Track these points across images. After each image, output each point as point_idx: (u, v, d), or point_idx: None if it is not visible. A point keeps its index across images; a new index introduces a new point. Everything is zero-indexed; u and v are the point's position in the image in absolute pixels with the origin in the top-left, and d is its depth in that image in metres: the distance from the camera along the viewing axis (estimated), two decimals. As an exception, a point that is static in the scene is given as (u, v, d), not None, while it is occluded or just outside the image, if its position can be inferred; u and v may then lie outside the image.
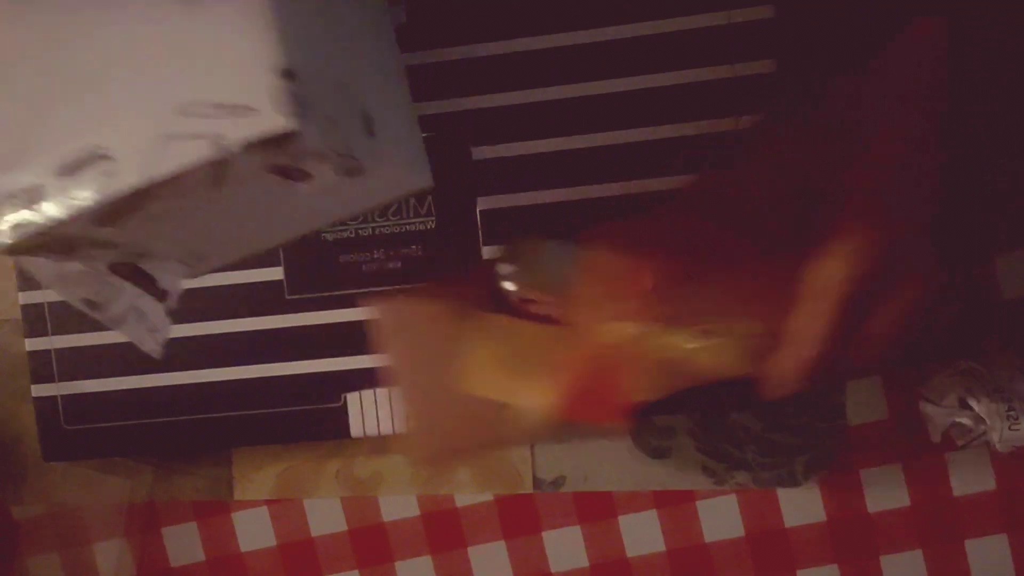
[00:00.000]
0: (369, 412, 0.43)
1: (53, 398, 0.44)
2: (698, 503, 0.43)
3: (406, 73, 0.38)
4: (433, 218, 0.42)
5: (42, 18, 0.29)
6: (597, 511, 0.44)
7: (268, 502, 0.46)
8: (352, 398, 0.43)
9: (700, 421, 0.43)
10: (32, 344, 0.44)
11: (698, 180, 0.37)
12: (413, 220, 0.42)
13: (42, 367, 0.44)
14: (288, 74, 0.27)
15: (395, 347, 0.35)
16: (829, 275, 0.31)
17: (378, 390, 0.42)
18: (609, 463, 0.43)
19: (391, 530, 0.45)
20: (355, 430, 0.43)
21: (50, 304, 0.44)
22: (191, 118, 0.27)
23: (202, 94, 0.27)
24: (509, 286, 0.33)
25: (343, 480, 0.45)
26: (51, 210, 0.28)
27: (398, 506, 0.45)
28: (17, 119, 0.29)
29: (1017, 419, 0.38)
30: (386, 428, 0.43)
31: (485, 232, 0.41)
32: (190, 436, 0.44)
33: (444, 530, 0.45)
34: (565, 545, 0.44)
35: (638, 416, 0.33)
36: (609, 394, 0.33)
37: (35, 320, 0.44)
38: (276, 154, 0.27)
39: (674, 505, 0.44)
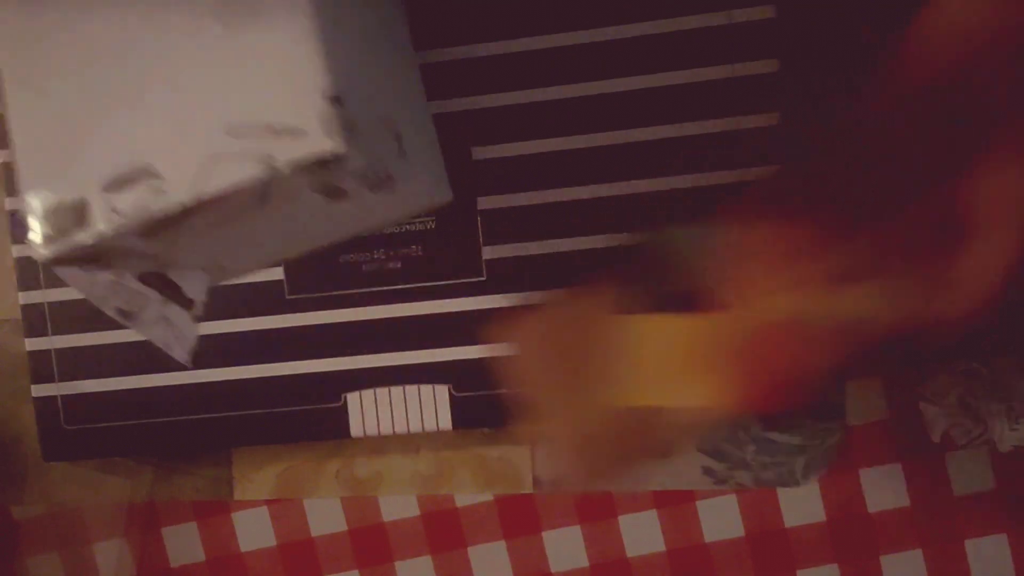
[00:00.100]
0: (369, 412, 0.43)
1: (53, 398, 0.44)
2: (698, 503, 0.43)
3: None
4: (433, 218, 0.42)
5: (84, 34, 0.30)
6: (597, 511, 0.44)
7: (268, 502, 0.46)
8: (352, 398, 0.43)
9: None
10: (32, 344, 0.44)
11: (823, 130, 0.32)
12: (413, 220, 0.42)
13: (42, 367, 0.44)
14: (336, 100, 0.28)
15: (535, 367, 0.32)
16: (1015, 192, 0.27)
17: (378, 390, 0.42)
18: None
19: (391, 530, 0.45)
20: (355, 430, 0.43)
21: (50, 304, 0.44)
22: (240, 138, 0.28)
23: (251, 115, 0.28)
24: (652, 280, 0.31)
25: (343, 480, 0.45)
26: (96, 225, 0.28)
27: (398, 506, 0.45)
28: (61, 133, 0.29)
29: (1017, 419, 0.38)
30: (386, 428, 0.43)
31: (485, 232, 0.41)
32: (190, 436, 0.44)
33: (444, 530, 0.45)
34: (565, 545, 0.44)
35: (819, 391, 0.31)
36: (785, 374, 0.30)
37: (35, 320, 0.44)
38: (321, 175, 0.29)
39: (674, 505, 0.44)
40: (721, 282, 0.30)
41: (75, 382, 0.44)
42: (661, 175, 0.40)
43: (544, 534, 0.44)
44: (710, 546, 0.44)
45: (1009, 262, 0.28)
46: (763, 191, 0.31)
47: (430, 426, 0.42)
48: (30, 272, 0.44)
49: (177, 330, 0.33)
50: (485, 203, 0.41)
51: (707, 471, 0.43)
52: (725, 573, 0.44)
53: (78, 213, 0.29)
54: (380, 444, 0.44)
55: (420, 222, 0.42)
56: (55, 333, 0.44)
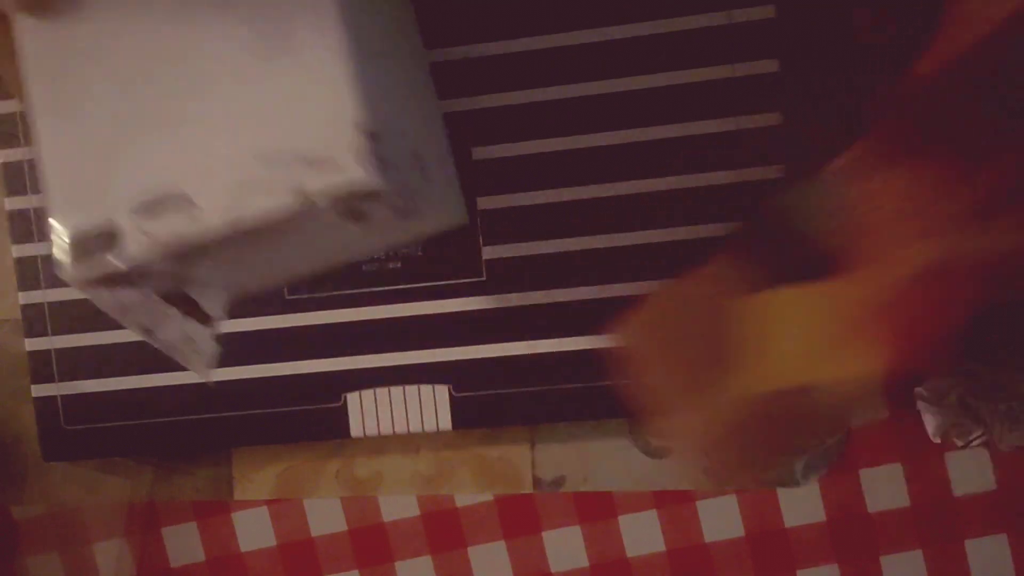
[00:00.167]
0: (369, 412, 0.43)
1: (53, 398, 0.44)
2: (698, 503, 0.43)
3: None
4: (433, 218, 0.42)
5: (116, 60, 0.30)
6: (597, 511, 0.44)
7: (268, 502, 0.46)
8: (352, 398, 0.43)
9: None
10: (32, 344, 0.44)
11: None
12: (413, 220, 0.42)
13: (42, 367, 0.44)
14: (372, 135, 0.28)
15: (658, 360, 0.30)
16: None
17: (378, 390, 0.42)
18: (609, 463, 0.43)
19: (391, 530, 0.45)
20: (355, 430, 0.43)
21: (50, 304, 0.44)
22: (272, 166, 0.28)
23: (284, 143, 0.28)
24: (774, 252, 0.28)
25: (343, 480, 0.45)
26: (128, 249, 0.29)
27: (398, 506, 0.45)
28: (93, 157, 0.30)
29: (1017, 419, 0.38)
30: (386, 428, 0.43)
31: (485, 232, 0.41)
32: (190, 436, 0.44)
33: (444, 530, 0.45)
34: (565, 545, 0.44)
35: (966, 342, 0.28)
36: (936, 326, 0.27)
37: (35, 320, 0.44)
38: (352, 204, 0.29)
39: (674, 505, 0.44)
40: (849, 241, 0.28)
41: (75, 382, 0.44)
42: (661, 175, 0.40)
43: (544, 534, 0.44)
44: (710, 546, 0.44)
45: None
46: (881, 136, 0.29)
47: (430, 426, 0.42)
48: (30, 272, 0.44)
49: (198, 347, 0.33)
50: (485, 203, 0.41)
51: (707, 471, 0.43)
52: (725, 573, 0.44)
53: (108, 236, 0.29)
54: (380, 444, 0.44)
55: (420, 222, 0.42)
56: (55, 333, 0.44)
